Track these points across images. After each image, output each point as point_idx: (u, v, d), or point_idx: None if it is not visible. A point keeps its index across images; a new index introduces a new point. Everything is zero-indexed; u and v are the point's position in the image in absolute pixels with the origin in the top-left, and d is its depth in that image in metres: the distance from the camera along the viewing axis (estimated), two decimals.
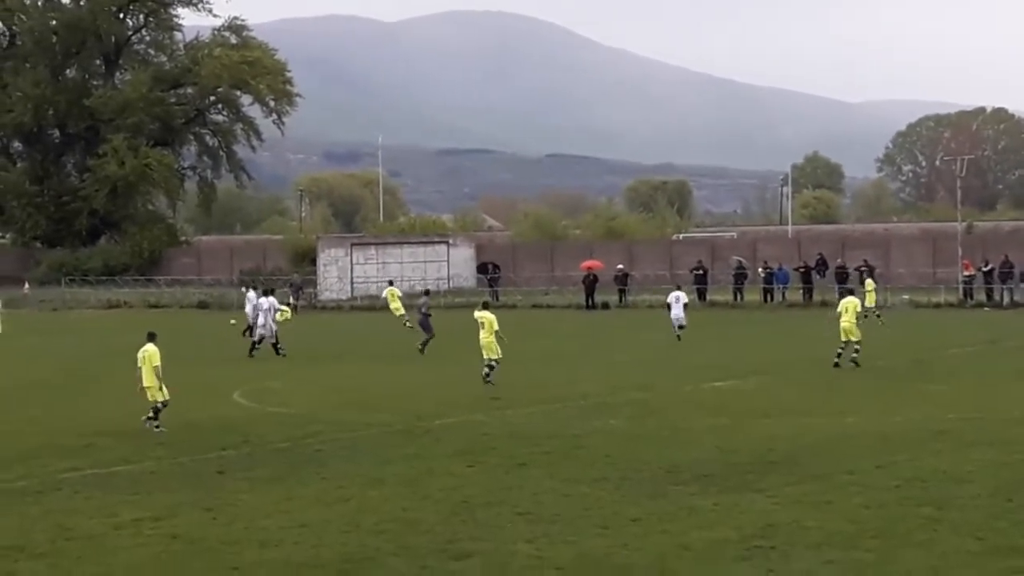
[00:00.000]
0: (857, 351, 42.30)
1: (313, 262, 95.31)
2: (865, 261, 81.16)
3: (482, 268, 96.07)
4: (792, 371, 42.69)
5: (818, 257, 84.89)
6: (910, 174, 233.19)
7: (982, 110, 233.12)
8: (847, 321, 42.19)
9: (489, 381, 38.85)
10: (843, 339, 42.36)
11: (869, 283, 64.17)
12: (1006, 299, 74.80)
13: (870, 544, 18.86)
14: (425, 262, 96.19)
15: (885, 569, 17.57)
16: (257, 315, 51.10)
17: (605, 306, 79.02)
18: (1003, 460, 25.39)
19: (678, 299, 56.80)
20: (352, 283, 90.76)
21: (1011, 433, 28.66)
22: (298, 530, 20.43)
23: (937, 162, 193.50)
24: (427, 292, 57.91)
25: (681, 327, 55.54)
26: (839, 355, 42.30)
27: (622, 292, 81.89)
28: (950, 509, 21.07)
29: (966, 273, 77.49)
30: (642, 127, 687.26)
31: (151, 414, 31.01)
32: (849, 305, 42.78)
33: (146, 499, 23.06)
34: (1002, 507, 21.18)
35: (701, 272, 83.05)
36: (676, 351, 50.73)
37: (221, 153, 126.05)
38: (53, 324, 74.84)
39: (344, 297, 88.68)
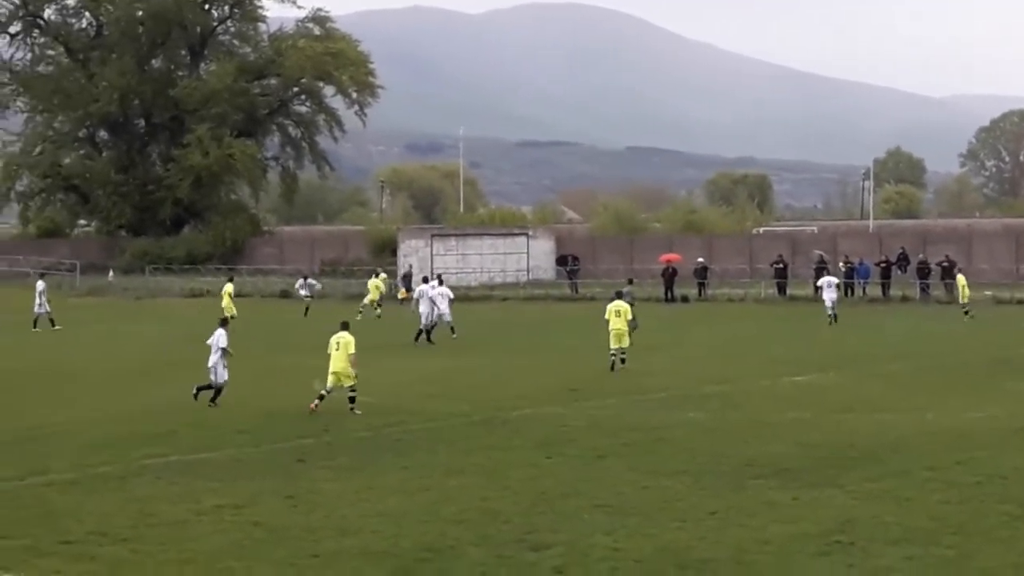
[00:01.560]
0: None
1: (394, 253, 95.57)
2: (947, 256, 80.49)
3: (561, 260, 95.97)
4: (872, 366, 42.45)
5: (900, 252, 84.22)
6: (993, 169, 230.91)
7: None
8: (965, 286, 42.18)
9: (622, 366, 40.59)
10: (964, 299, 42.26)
11: (960, 278, 63.62)
12: None
13: (950, 540, 18.78)
14: (505, 254, 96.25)
15: (966, 565, 17.49)
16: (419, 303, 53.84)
17: (684, 299, 78.78)
18: None
19: (830, 284, 60.69)
20: (431, 273, 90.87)
21: None
22: (377, 519, 20.59)
23: (1021, 157, 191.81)
24: (631, 281, 58.33)
25: (834, 311, 58.82)
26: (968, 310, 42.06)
27: (701, 285, 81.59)
28: None
29: None
30: (723, 120, 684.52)
31: (317, 400, 32.12)
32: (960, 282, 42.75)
33: (228, 486, 23.29)
34: None
35: (781, 266, 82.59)
36: (755, 345, 50.50)
37: (304, 144, 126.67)
38: (137, 312, 75.54)
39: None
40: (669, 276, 79.83)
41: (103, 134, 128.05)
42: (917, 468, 24.25)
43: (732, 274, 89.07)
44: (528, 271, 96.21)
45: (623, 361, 41.04)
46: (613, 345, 41.30)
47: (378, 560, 18.23)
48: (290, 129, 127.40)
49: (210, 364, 33.51)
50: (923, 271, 78.89)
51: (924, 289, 77.61)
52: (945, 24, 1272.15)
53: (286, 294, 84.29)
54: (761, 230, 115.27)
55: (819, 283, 63.05)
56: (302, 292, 72.88)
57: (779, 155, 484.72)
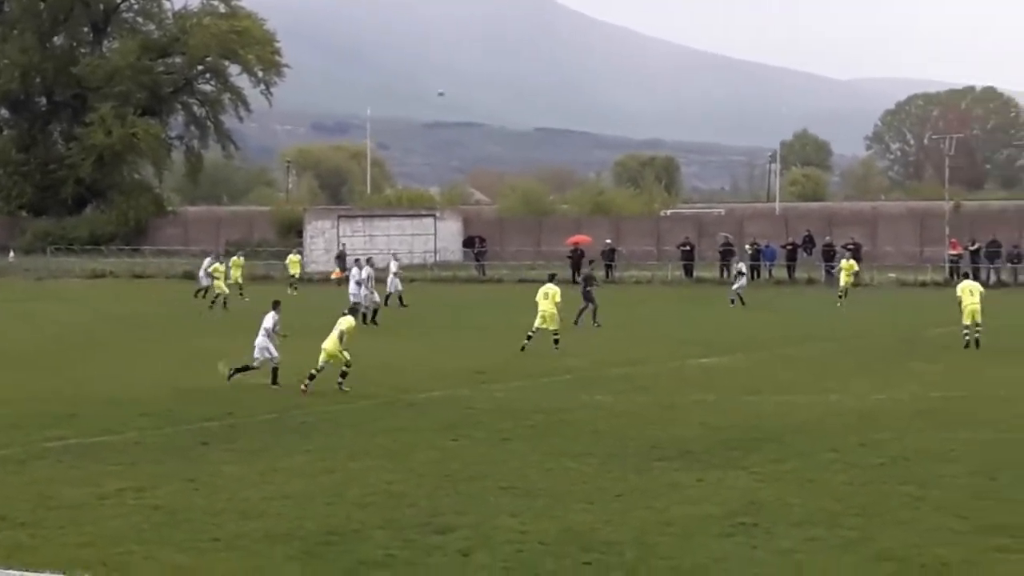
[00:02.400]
0: (980, 332, 41.98)
1: (300, 234, 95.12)
2: (852, 239, 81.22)
3: (469, 242, 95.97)
4: (778, 348, 42.72)
5: (805, 235, 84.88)
6: (898, 152, 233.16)
7: (971, 89, 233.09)
8: (972, 303, 42.08)
9: (555, 348, 40.70)
10: (967, 321, 42.13)
11: (847, 263, 63.94)
12: (992, 278, 74.81)
13: (853, 522, 18.87)
14: (412, 235, 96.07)
15: (868, 546, 17.57)
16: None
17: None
18: (987, 439, 25.44)
19: (741, 270, 62.44)
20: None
21: (995, 412, 28.73)
22: (281, 501, 20.41)
23: (926, 141, 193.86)
24: (591, 263, 58.68)
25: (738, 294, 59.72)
26: (966, 336, 42.06)
27: (609, 267, 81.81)
28: (933, 487, 21.10)
29: (953, 252, 77.47)
30: (632, 102, 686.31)
31: (309, 378, 32.18)
32: (972, 287, 42.83)
33: (129, 469, 23.01)
34: (985, 486, 21.22)
35: (688, 249, 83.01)
36: (662, 327, 50.66)
37: (208, 123, 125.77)
38: (38, 293, 74.65)
39: (330, 269, 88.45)
40: (577, 258, 79.93)
41: (3, 112, 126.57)
42: (821, 450, 24.39)
43: (640, 256, 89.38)
44: (435, 253, 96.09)
45: (556, 343, 41.11)
46: (537, 324, 41.47)
47: (282, 543, 18.05)
48: (195, 108, 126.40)
49: (257, 344, 33.58)
50: (829, 254, 79.55)
51: (829, 271, 78.21)
52: (852, 8, 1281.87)
53: (190, 275, 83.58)
54: (669, 212, 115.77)
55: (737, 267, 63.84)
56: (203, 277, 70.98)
57: (687, 137, 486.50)
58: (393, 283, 60.30)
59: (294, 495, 20.86)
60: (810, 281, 77.57)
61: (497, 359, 39.27)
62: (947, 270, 76.40)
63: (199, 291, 65.00)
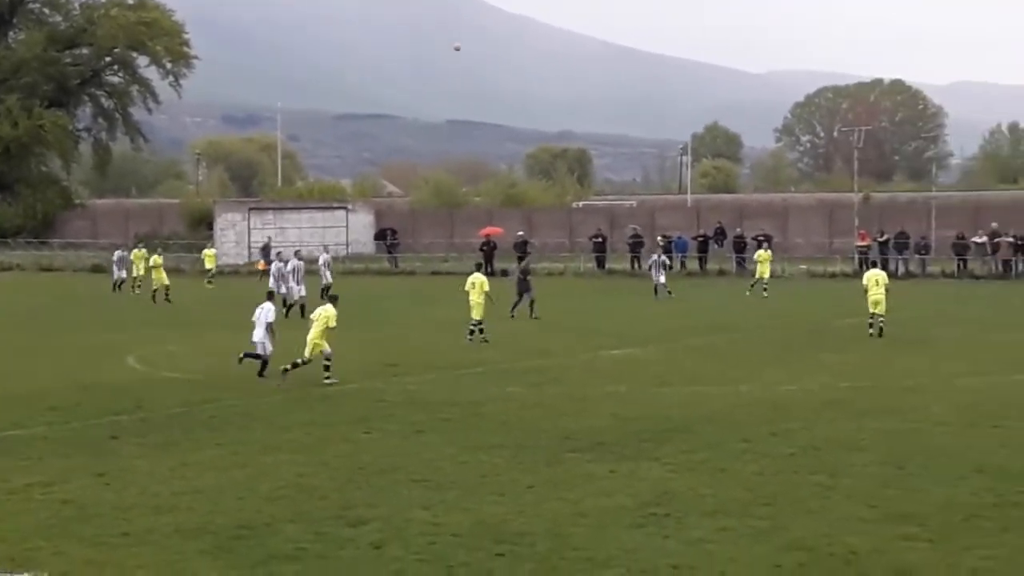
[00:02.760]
0: (883, 322, 42.62)
1: (210, 227, 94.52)
2: (763, 231, 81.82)
3: (380, 234, 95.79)
4: (689, 339, 42.93)
5: (717, 226, 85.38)
6: (808, 144, 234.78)
7: (880, 82, 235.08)
8: (877, 293, 42.61)
9: (484, 340, 41.05)
10: (872, 311, 42.66)
11: (762, 254, 64.41)
12: (901, 269, 75.63)
13: (764, 511, 18.99)
14: (324, 227, 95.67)
15: (778, 536, 17.69)
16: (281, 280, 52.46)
17: (504, 273, 78.96)
18: (895, 428, 25.69)
19: (658, 264, 61.62)
20: (250, 248, 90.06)
21: (903, 402, 29.03)
22: (192, 496, 20.25)
23: (835, 133, 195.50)
24: (527, 253, 58.07)
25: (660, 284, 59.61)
26: (871, 326, 42.61)
27: (521, 259, 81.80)
28: (843, 477, 21.28)
29: (862, 243, 78.22)
30: (544, 95, 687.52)
31: (290, 365, 32.24)
32: (878, 277, 43.31)
33: (37, 464, 22.75)
34: (893, 475, 21.43)
35: (600, 240, 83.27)
36: (575, 319, 50.75)
37: (117, 115, 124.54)
38: None
39: (241, 262, 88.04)
40: (489, 250, 79.98)
41: None
42: (732, 440, 24.52)
43: (552, 248, 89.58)
44: (347, 245, 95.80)
45: (481, 332, 41.55)
46: (475, 317, 41.99)
47: (192, 537, 17.91)
48: (103, 100, 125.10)
49: (256, 339, 33.66)
50: (739, 245, 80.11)
51: (740, 263, 78.79)
52: (765, 2, 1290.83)
53: (99, 268, 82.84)
54: (581, 204, 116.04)
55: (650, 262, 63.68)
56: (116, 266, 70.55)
57: (599, 129, 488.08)
58: (324, 275, 59.79)
59: (205, 489, 20.71)
60: (721, 272, 78.10)
61: (409, 351, 39.21)
62: (856, 261, 77.15)
63: (118, 283, 65.35)
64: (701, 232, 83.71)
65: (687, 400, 29.58)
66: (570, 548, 17.17)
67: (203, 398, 30.18)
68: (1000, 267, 74.71)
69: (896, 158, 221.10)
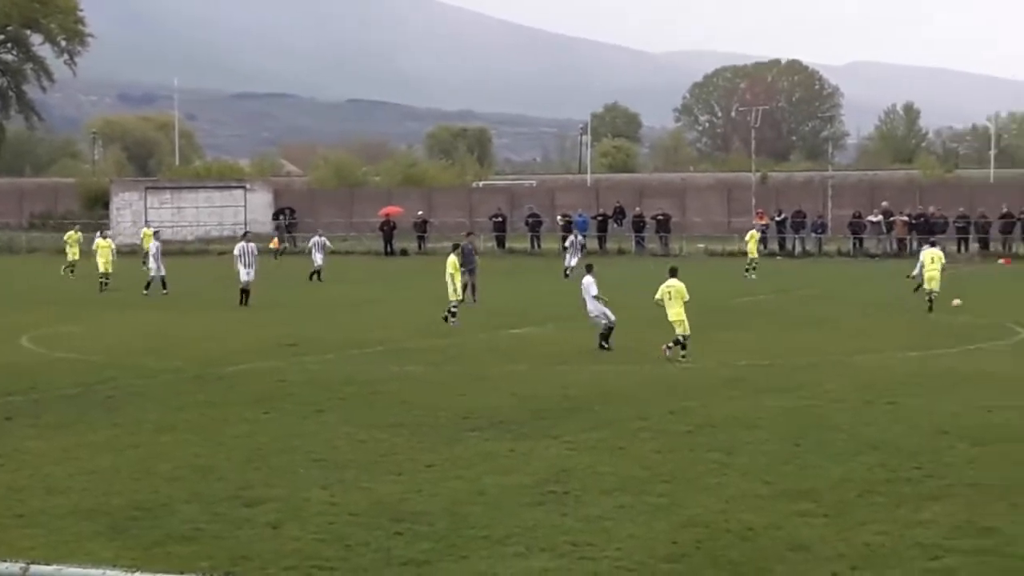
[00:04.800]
0: (935, 297, 43.77)
1: (106, 206, 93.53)
2: (662, 210, 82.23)
3: (279, 213, 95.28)
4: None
5: (616, 206, 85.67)
6: (706, 124, 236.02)
7: (777, 62, 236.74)
8: (933, 270, 43.63)
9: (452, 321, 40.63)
10: (927, 287, 43.98)
11: (753, 233, 64.88)
12: (798, 248, 76.37)
13: (662, 488, 19.09)
14: (222, 207, 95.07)
15: (675, 512, 17.78)
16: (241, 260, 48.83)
17: (404, 252, 78.90)
18: (791, 406, 25.90)
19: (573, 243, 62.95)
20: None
21: (800, 379, 29.29)
22: (87, 477, 20.04)
23: (733, 113, 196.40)
24: (469, 234, 57.21)
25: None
26: (930, 303, 43.65)
27: (421, 239, 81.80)
28: (740, 454, 21.43)
29: (760, 223, 78.84)
30: (444, 74, 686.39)
31: (671, 344, 32.76)
32: (934, 255, 44.24)
33: None
34: (790, 452, 21.61)
35: (500, 220, 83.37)
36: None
37: (10, 94, 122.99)
38: None
39: (138, 241, 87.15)
40: (388, 230, 79.80)
41: None
42: (630, 418, 24.62)
43: (452, 227, 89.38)
44: (245, 224, 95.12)
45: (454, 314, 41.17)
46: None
47: (87, 518, 17.71)
48: None
49: (593, 311, 35.41)
50: (639, 224, 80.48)
51: (639, 242, 79.19)
52: None
53: None
54: (481, 184, 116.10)
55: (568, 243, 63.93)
56: None
57: (499, 109, 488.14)
58: (316, 257, 60.24)
59: (100, 470, 20.49)
60: (620, 251, 78.41)
61: (308, 331, 39.02)
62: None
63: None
64: (601, 211, 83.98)
65: (586, 379, 29.67)
66: (468, 526, 17.16)
67: (98, 378, 29.87)
68: (895, 245, 75.62)
69: (793, 138, 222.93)
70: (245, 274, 48.05)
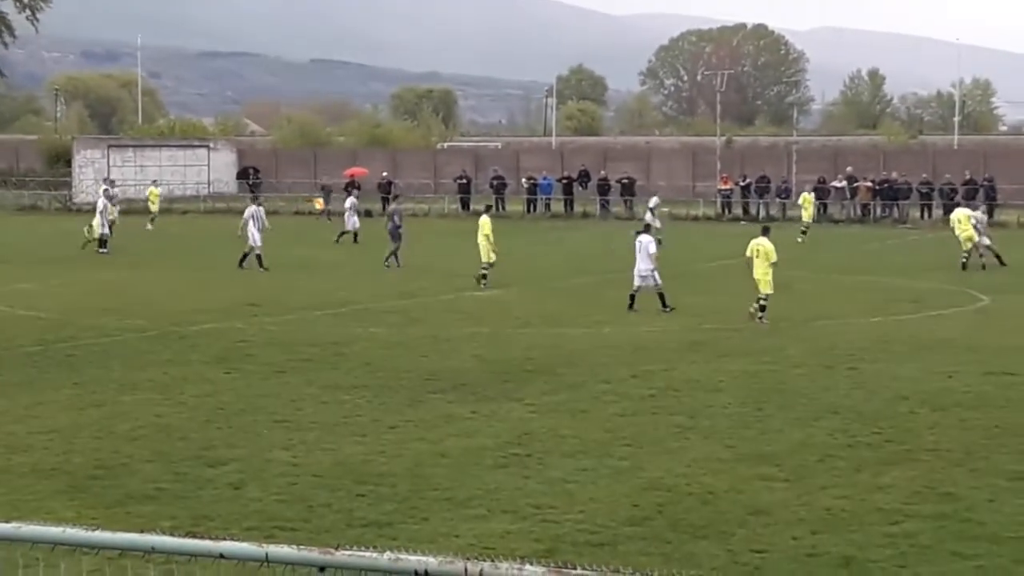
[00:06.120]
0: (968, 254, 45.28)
1: (68, 164, 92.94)
2: (626, 173, 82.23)
3: (243, 173, 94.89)
4: (552, 281, 43.09)
5: (581, 169, 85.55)
6: (672, 88, 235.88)
7: (743, 26, 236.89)
8: (967, 229, 44.27)
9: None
10: (966, 247, 45.30)
11: (807, 196, 65.10)
12: (762, 213, 76.46)
13: (623, 452, 19.14)
14: (185, 166, 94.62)
15: (637, 475, 17.84)
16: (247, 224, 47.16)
17: (368, 213, 78.62)
18: (754, 370, 25.99)
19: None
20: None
21: (762, 344, 29.37)
22: (48, 435, 19.97)
23: (698, 77, 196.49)
24: (396, 197, 56.66)
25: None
26: (966, 258, 45.39)
27: (385, 200, 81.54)
28: (702, 418, 21.50)
29: (724, 187, 78.97)
30: (409, 35, 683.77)
31: (757, 307, 32.63)
32: (961, 216, 44.74)
33: None
34: (751, 416, 21.69)
35: (465, 182, 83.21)
36: (438, 261, 50.69)
37: None
38: None
39: (94, 200, 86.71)
40: (353, 190, 79.48)
41: None
42: (593, 381, 24.67)
43: (416, 189, 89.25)
44: (209, 184, 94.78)
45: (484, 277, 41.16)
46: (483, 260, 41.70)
47: (48, 477, 17.68)
48: None
49: (640, 272, 35.08)
50: (603, 188, 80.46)
51: (604, 205, 79.21)
52: None
53: None
54: (445, 145, 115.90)
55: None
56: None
57: (464, 71, 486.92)
58: (351, 220, 59.82)
59: (61, 429, 20.43)
60: (585, 215, 78.43)
61: (270, 292, 38.91)
62: (719, 205, 77.91)
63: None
64: (566, 174, 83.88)
65: (549, 341, 29.69)
66: (431, 488, 17.18)
67: (58, 337, 29.75)
68: (859, 211, 75.82)
69: (758, 103, 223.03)
70: (260, 239, 46.68)
